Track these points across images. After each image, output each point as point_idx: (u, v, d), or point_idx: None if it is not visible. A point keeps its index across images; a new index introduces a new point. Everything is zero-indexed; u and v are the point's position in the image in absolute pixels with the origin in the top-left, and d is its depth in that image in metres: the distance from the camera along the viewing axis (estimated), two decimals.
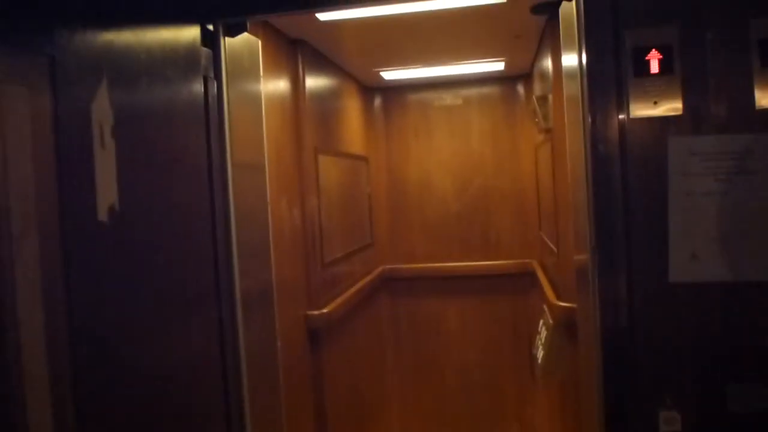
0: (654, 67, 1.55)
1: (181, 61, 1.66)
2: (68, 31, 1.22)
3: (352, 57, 3.77)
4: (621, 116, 1.59)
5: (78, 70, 1.24)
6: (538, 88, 3.77)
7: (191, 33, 1.73)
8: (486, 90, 4.63)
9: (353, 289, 3.74)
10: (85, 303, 1.22)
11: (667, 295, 1.60)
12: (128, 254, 1.37)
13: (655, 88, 1.55)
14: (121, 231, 1.33)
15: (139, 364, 1.40)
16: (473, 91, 4.65)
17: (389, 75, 4.23)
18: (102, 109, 1.29)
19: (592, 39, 1.61)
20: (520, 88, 4.55)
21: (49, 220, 1.15)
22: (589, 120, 1.62)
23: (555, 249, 3.17)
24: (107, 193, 1.29)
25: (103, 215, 1.26)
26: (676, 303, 1.60)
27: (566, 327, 2.67)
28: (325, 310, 3.12)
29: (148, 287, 1.44)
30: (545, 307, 3.20)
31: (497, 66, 4.13)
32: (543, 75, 3.37)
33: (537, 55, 3.73)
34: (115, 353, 1.31)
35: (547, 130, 3.18)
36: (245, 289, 1.91)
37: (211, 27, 1.83)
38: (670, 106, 1.56)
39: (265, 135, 2.20)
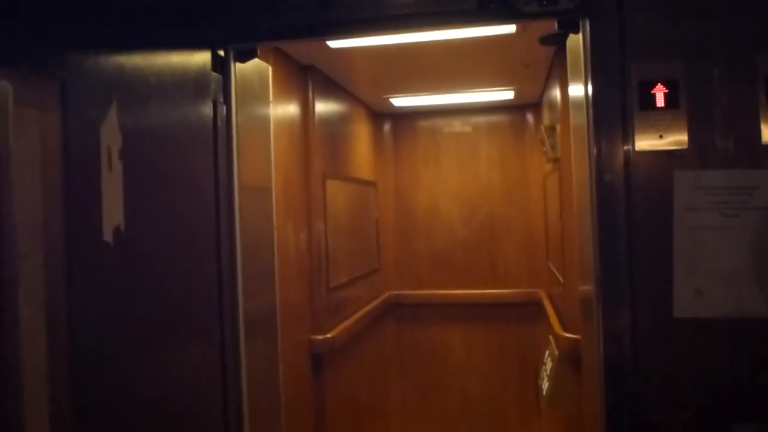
0: (660, 101, 1.56)
1: (191, 86, 1.68)
2: (80, 55, 1.24)
3: (363, 83, 3.81)
4: (626, 148, 1.59)
5: (88, 93, 1.25)
6: (546, 118, 3.78)
7: (202, 58, 1.75)
8: (495, 118, 4.65)
9: (358, 315, 3.73)
10: (88, 323, 1.22)
11: (672, 331, 1.59)
12: (132, 275, 1.37)
13: (661, 122, 1.56)
14: (126, 252, 1.34)
15: (139, 385, 1.39)
16: (482, 119, 4.67)
17: (399, 102, 4.26)
18: (111, 131, 1.30)
19: (598, 71, 1.62)
20: (530, 117, 4.57)
21: (54, 240, 1.16)
22: (595, 151, 1.62)
23: (561, 279, 3.16)
24: (113, 214, 1.30)
25: (108, 236, 1.27)
26: (681, 338, 1.58)
27: (572, 359, 2.65)
28: (329, 335, 3.10)
29: (150, 308, 1.44)
30: (551, 338, 3.18)
31: (507, 94, 4.16)
32: (551, 105, 3.38)
33: (546, 85, 3.75)
34: (116, 373, 1.31)
35: (555, 160, 3.19)
36: (249, 312, 1.91)
37: (221, 52, 1.86)
38: (676, 140, 1.56)
39: (273, 159, 2.21)
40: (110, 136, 1.29)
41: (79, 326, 1.19)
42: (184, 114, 1.64)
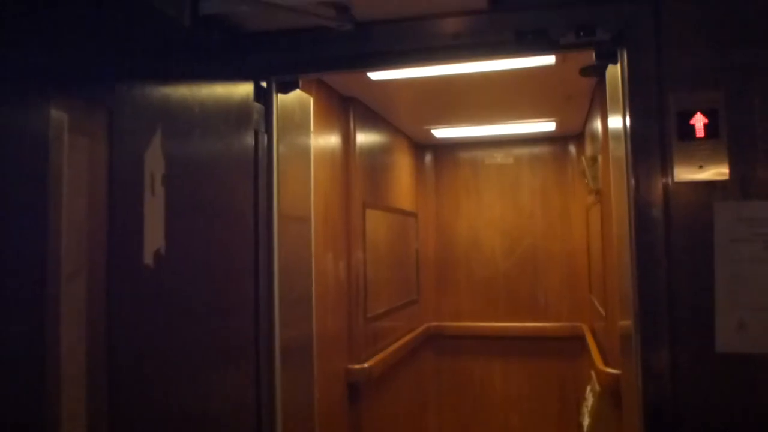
0: (699, 131, 1.53)
1: (234, 116, 1.73)
2: (128, 85, 1.30)
3: (404, 115, 3.85)
4: (665, 180, 1.57)
5: (134, 122, 1.31)
6: (588, 149, 3.75)
7: (245, 89, 1.81)
8: (537, 149, 4.64)
9: (396, 345, 3.71)
10: (126, 343, 1.25)
11: (714, 366, 1.54)
12: (170, 298, 1.41)
13: (701, 152, 1.53)
14: (166, 275, 1.37)
15: (174, 406, 1.42)
16: (524, 150, 4.65)
17: (440, 133, 4.29)
18: (155, 158, 1.35)
19: (636, 101, 1.61)
20: (572, 149, 4.54)
21: (97, 261, 1.20)
22: (633, 183, 1.61)
23: (604, 313, 3.10)
24: (154, 237, 1.34)
25: (148, 259, 1.31)
26: (723, 375, 1.53)
27: (613, 395, 2.58)
28: (366, 365, 3.10)
29: (187, 332, 1.47)
30: (593, 373, 3.11)
31: (548, 126, 4.15)
32: (593, 136, 3.36)
33: (588, 116, 3.73)
34: (152, 394, 1.34)
35: (597, 191, 3.16)
36: (285, 340, 1.92)
37: (264, 84, 1.91)
38: (717, 171, 1.53)
39: (313, 188, 2.25)
40: (154, 162, 1.34)
41: (118, 346, 1.23)
42: (226, 143, 1.69)
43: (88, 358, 1.18)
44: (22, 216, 1.03)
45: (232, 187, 1.73)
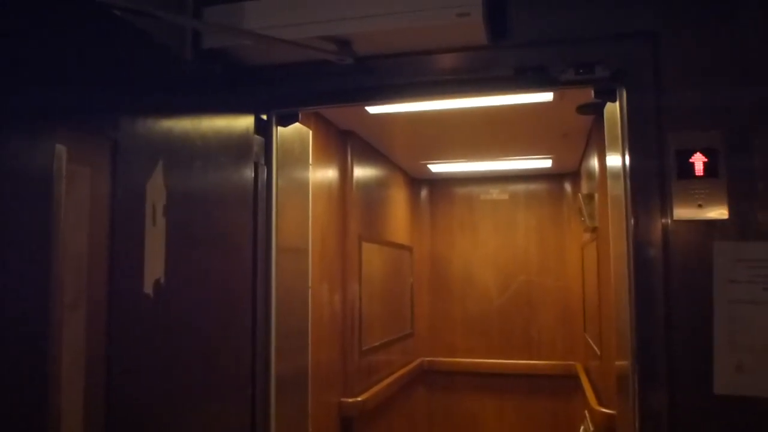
0: (699, 170, 1.54)
1: (234, 148, 1.74)
2: (132, 117, 1.30)
3: (400, 149, 3.87)
4: (664, 218, 1.58)
5: (137, 153, 1.31)
6: (584, 187, 3.77)
7: (245, 122, 1.82)
8: (533, 186, 4.66)
9: (390, 379, 3.68)
10: (124, 372, 1.24)
11: (712, 409, 1.52)
12: (169, 327, 1.40)
13: (700, 191, 1.54)
14: (165, 305, 1.36)
15: None
16: (520, 187, 4.68)
17: (436, 168, 4.31)
18: (156, 189, 1.35)
19: (635, 139, 1.62)
20: (568, 186, 4.56)
21: (97, 291, 1.20)
22: (632, 221, 1.61)
23: (599, 352, 3.08)
24: (154, 267, 1.33)
25: (148, 288, 1.30)
26: (721, 417, 1.51)
27: None
28: (359, 399, 3.06)
29: (184, 362, 1.46)
30: (586, 413, 3.08)
31: (545, 163, 4.17)
32: (590, 173, 3.38)
33: (584, 154, 3.75)
34: (148, 423, 1.32)
35: (593, 229, 3.16)
36: (280, 372, 1.90)
37: (264, 116, 1.92)
38: (716, 210, 1.54)
39: (310, 220, 2.25)
40: (155, 193, 1.34)
41: (116, 374, 1.21)
42: (226, 175, 1.69)
43: (86, 388, 1.16)
44: (25, 245, 1.03)
45: (232, 218, 1.73)
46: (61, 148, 1.10)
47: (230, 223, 1.71)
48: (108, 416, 1.19)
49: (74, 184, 1.15)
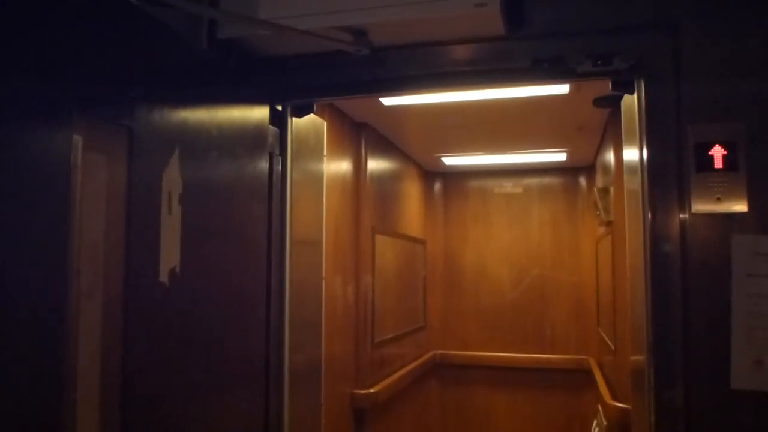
0: (717, 163, 1.52)
1: (250, 139, 1.74)
2: (148, 106, 1.30)
3: (415, 142, 3.86)
4: (682, 212, 1.56)
5: (153, 142, 1.31)
6: (600, 180, 3.75)
7: (261, 112, 1.81)
8: (547, 180, 4.63)
9: (402, 371, 3.68)
10: (140, 360, 1.25)
11: (729, 404, 1.50)
12: (183, 317, 1.40)
13: (719, 184, 1.52)
14: (179, 294, 1.37)
15: (186, 425, 1.40)
16: (534, 181, 4.65)
17: (450, 160, 4.30)
18: (172, 178, 1.35)
19: (653, 132, 1.60)
20: (583, 180, 4.53)
21: (114, 279, 1.20)
22: (649, 215, 1.59)
23: (612, 346, 3.07)
24: (170, 256, 1.33)
25: (164, 277, 1.31)
26: (739, 412, 1.50)
27: (621, 429, 2.54)
28: (372, 390, 3.07)
29: (199, 352, 1.46)
30: (599, 407, 3.07)
31: (559, 156, 4.15)
32: (605, 167, 3.36)
33: (600, 147, 3.73)
34: (163, 413, 1.33)
35: (608, 223, 3.14)
36: (294, 363, 1.91)
37: (279, 107, 1.92)
38: (735, 203, 1.52)
39: (324, 212, 2.24)
40: (171, 182, 1.34)
41: (131, 362, 1.22)
42: (241, 165, 1.69)
43: (102, 377, 1.17)
44: (43, 233, 1.04)
45: (246, 209, 1.72)
46: (77, 138, 1.10)
47: (245, 214, 1.71)
48: (123, 405, 1.20)
49: (92, 172, 1.16)
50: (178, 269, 1.34)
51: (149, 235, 1.28)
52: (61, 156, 1.07)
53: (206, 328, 1.49)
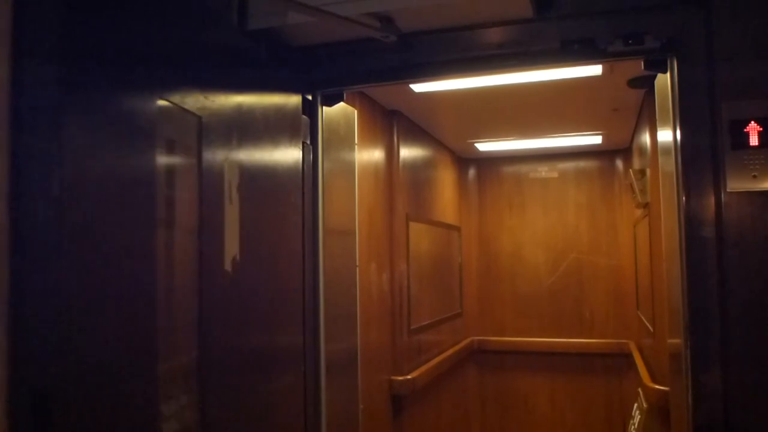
0: (753, 140, 1.49)
1: (288, 128, 1.76)
2: (212, 94, 1.33)
3: (447, 128, 3.84)
4: (717, 191, 1.53)
5: (217, 131, 1.35)
6: (636, 162, 3.69)
7: (294, 101, 1.83)
8: (583, 163, 4.57)
9: (439, 358, 3.69)
10: (213, 344, 1.32)
11: (767, 387, 1.48)
12: (242, 304, 1.45)
13: (755, 162, 1.49)
14: (239, 282, 1.41)
15: (240, 405, 1.46)
16: (569, 164, 4.60)
17: (484, 146, 4.27)
18: (232, 166, 1.38)
19: (687, 111, 1.57)
20: (619, 163, 4.46)
21: (188, 270, 1.26)
22: (684, 196, 1.56)
23: (652, 329, 3.03)
24: (232, 244, 1.37)
25: (228, 265, 1.34)
26: None
27: (661, 412, 2.52)
28: (409, 377, 3.09)
29: (253, 336, 1.51)
30: (640, 390, 3.04)
31: (595, 139, 4.09)
32: (641, 149, 3.30)
33: (636, 129, 3.66)
34: (230, 384, 1.40)
35: (645, 206, 3.09)
36: (330, 351, 1.93)
37: (309, 97, 1.93)
38: None
39: (357, 200, 2.26)
40: (231, 171, 1.37)
41: (207, 346, 1.29)
42: (282, 153, 1.71)
43: (183, 354, 1.24)
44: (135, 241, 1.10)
45: (285, 198, 1.75)
46: (166, 126, 1.15)
47: (285, 203, 1.74)
48: (198, 382, 1.28)
49: (171, 160, 1.20)
50: (238, 257, 1.37)
51: (216, 224, 1.32)
52: (148, 145, 1.12)
53: (258, 315, 1.54)
